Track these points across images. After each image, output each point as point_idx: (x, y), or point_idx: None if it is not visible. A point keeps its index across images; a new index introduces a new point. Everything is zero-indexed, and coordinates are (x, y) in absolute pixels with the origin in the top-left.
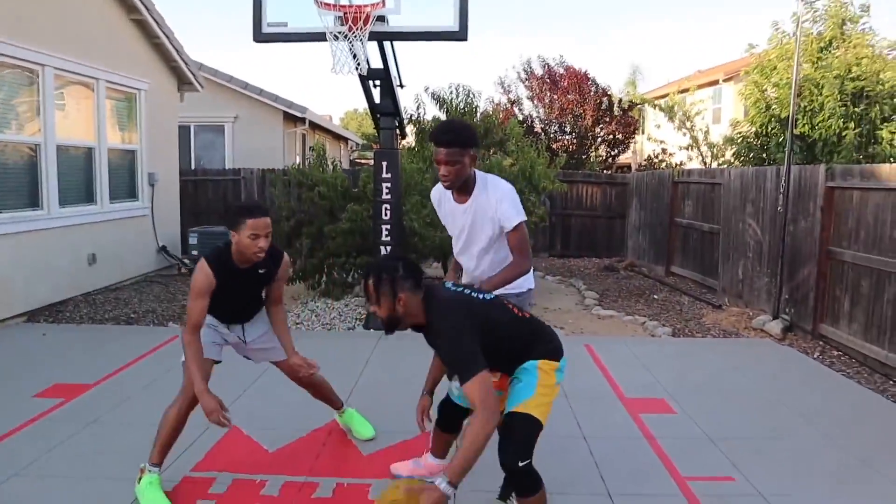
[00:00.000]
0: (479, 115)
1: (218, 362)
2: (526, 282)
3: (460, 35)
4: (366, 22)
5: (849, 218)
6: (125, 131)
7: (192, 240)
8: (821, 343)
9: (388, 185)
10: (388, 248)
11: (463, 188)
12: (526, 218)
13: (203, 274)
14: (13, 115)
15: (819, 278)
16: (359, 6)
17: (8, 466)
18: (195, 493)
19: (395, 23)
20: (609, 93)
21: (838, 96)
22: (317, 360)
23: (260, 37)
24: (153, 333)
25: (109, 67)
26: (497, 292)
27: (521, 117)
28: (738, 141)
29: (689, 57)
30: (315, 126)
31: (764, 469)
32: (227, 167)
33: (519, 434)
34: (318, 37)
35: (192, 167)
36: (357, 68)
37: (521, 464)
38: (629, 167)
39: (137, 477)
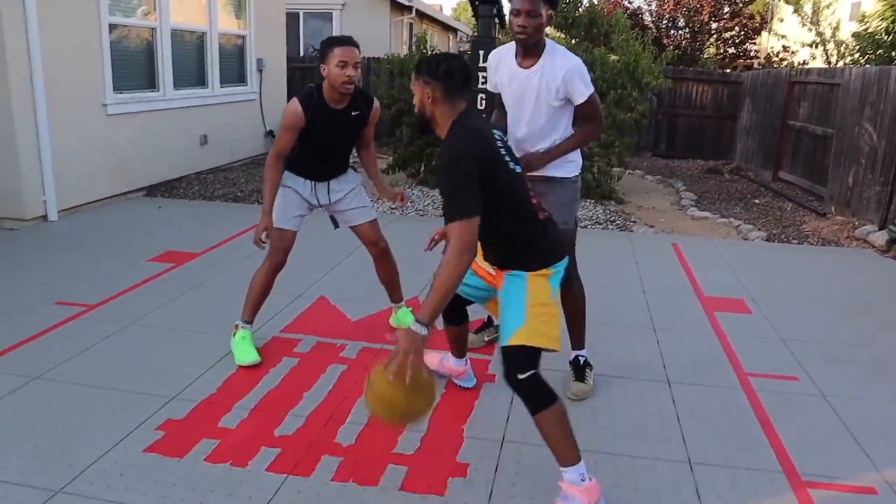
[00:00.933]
0: (582, 5)
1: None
2: (577, 163)
3: None
4: None
5: None
6: (235, 17)
7: None
8: None
9: (485, 75)
10: None
11: (533, 50)
12: (594, 90)
13: (292, 109)
14: (132, 1)
15: None
16: None
17: (125, 317)
18: (282, 351)
19: None
20: None
21: None
22: (407, 242)
23: None
24: (256, 211)
25: None
26: (550, 172)
27: (630, 9)
28: (865, 37)
29: None
30: (423, 15)
31: (832, 373)
32: None
33: (514, 365)
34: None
35: (301, 54)
36: None
37: (520, 376)
38: (751, 66)
39: (232, 332)
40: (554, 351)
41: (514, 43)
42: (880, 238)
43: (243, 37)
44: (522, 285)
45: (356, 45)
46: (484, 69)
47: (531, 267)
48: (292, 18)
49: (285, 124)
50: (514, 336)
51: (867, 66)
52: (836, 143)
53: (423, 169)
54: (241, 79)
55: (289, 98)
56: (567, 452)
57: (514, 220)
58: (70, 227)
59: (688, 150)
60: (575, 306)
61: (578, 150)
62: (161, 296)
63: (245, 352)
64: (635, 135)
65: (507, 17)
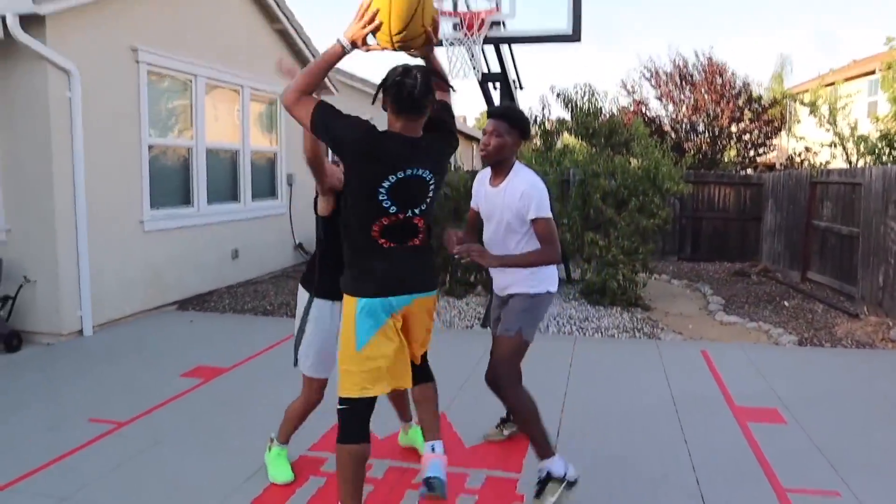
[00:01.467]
0: (603, 115)
1: None
2: (544, 282)
3: (573, 37)
4: (480, 27)
5: None
6: (266, 134)
7: None
8: None
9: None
10: None
11: (499, 169)
12: (550, 215)
13: None
14: (172, 121)
15: None
16: (474, 12)
17: (156, 434)
18: (309, 470)
19: (511, 27)
20: (750, 89)
21: None
22: (432, 355)
23: None
24: (285, 324)
25: (253, 74)
26: (511, 290)
27: (648, 117)
28: (879, 139)
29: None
30: None
31: (875, 485)
32: None
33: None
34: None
35: None
36: (475, 71)
37: (338, 406)
38: (772, 167)
39: (267, 446)
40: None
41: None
42: None
43: (274, 153)
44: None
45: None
46: None
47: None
48: None
49: None
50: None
51: (887, 165)
52: (862, 242)
53: (448, 279)
54: (271, 193)
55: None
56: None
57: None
58: (105, 341)
59: (713, 252)
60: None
61: (551, 270)
62: (191, 412)
63: (280, 469)
64: (659, 240)
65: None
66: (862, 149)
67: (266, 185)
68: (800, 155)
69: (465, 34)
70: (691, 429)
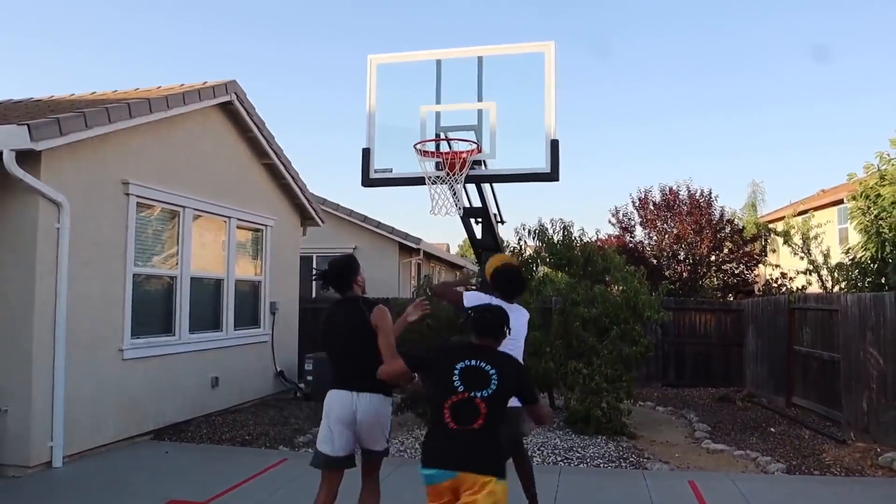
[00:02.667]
0: (577, 247)
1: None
2: None
3: (552, 176)
4: (462, 167)
5: None
6: (251, 264)
7: (308, 366)
8: None
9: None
10: None
11: None
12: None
13: None
14: (157, 251)
15: None
16: (456, 153)
17: None
18: None
19: (492, 165)
20: (731, 219)
21: None
22: (414, 492)
23: (367, 182)
24: (263, 456)
25: (240, 206)
26: None
27: (631, 245)
28: (852, 267)
29: (812, 175)
30: (430, 256)
31: None
32: None
33: None
34: (419, 181)
35: (313, 295)
36: (458, 208)
37: None
38: (751, 293)
39: None
40: None
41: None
42: None
43: (259, 282)
44: None
45: None
46: None
47: None
48: (306, 261)
49: None
50: None
51: (861, 293)
52: (843, 367)
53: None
54: (254, 321)
55: (300, 338)
56: None
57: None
58: (75, 474)
59: (697, 378)
60: None
61: None
62: None
63: None
64: (643, 366)
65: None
66: (837, 275)
67: (249, 313)
68: (776, 281)
69: (448, 173)
70: None
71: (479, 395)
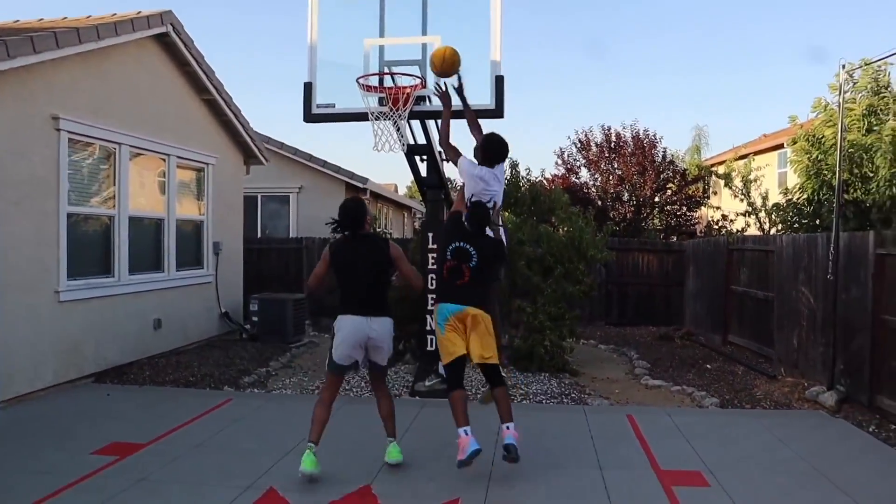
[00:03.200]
0: (525, 186)
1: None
2: None
3: (496, 113)
4: (406, 102)
5: None
6: (193, 203)
7: (254, 306)
8: (877, 416)
9: (434, 255)
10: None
11: None
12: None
13: None
14: (92, 190)
15: (873, 348)
16: (399, 88)
17: None
18: None
19: (436, 101)
20: (675, 162)
21: (886, 162)
22: (362, 423)
23: (309, 117)
24: (208, 397)
25: (180, 144)
26: None
27: (576, 186)
28: (789, 208)
29: (755, 119)
30: (377, 196)
31: None
32: (291, 236)
33: None
34: (363, 117)
35: (258, 235)
36: (402, 145)
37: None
38: (693, 234)
39: None
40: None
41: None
42: (830, 399)
43: (200, 221)
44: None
45: None
46: (432, 250)
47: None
48: (250, 201)
49: None
50: None
51: (796, 234)
52: (777, 306)
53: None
54: (197, 262)
55: (245, 279)
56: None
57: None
58: (13, 418)
59: (639, 317)
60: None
61: None
62: (103, 492)
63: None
64: (587, 305)
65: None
66: (774, 217)
67: (192, 253)
68: (717, 223)
69: (391, 109)
70: (617, 494)
71: (465, 264)
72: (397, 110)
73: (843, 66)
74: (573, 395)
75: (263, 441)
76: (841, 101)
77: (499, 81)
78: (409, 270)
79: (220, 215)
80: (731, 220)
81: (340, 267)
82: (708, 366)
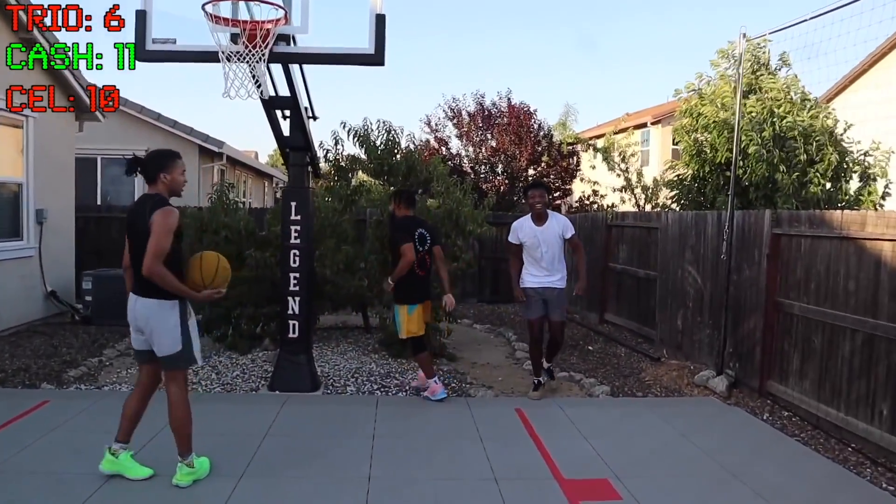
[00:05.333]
0: (400, 153)
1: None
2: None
3: (376, 59)
4: (265, 40)
5: (797, 267)
6: (9, 163)
7: (87, 284)
8: (769, 402)
9: (298, 227)
10: (297, 298)
11: (542, 216)
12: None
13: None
14: None
15: (766, 331)
16: (257, 22)
17: None
18: None
19: (303, 43)
20: (551, 134)
21: (759, 140)
22: (211, 428)
23: (143, 55)
24: (17, 398)
25: None
26: (557, 285)
27: (447, 156)
28: (677, 184)
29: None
30: (235, 162)
31: None
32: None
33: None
34: (212, 57)
35: (98, 202)
36: (259, 91)
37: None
38: (570, 209)
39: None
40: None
41: (529, 214)
42: (720, 384)
43: (20, 184)
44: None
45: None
46: (297, 222)
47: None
48: (88, 164)
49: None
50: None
51: (683, 211)
52: (660, 285)
53: (230, 332)
54: (14, 232)
55: (80, 253)
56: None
57: None
58: None
59: (512, 294)
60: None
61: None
62: None
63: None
64: (459, 282)
65: (322, 166)
66: (649, 194)
67: (7, 222)
68: (589, 198)
69: (247, 47)
70: None
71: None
72: (254, 49)
73: (745, 35)
74: (453, 385)
75: (84, 459)
76: (740, 72)
77: (380, 22)
78: (154, 245)
79: (46, 178)
80: (603, 196)
81: (126, 233)
82: (589, 347)
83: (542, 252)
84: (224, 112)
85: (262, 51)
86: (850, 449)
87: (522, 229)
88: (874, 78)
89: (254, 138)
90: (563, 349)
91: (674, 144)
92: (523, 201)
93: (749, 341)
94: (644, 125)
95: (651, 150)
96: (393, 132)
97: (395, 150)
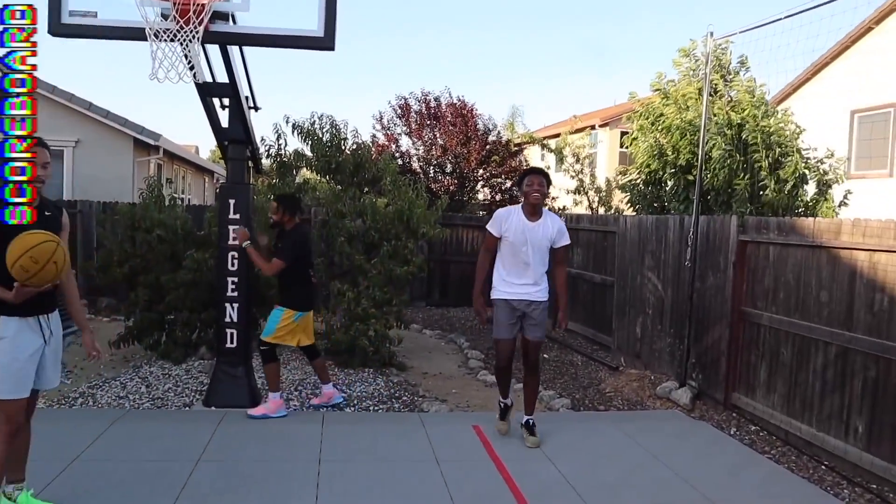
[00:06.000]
0: (347, 148)
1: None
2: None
3: (325, 42)
4: (200, 16)
5: (765, 276)
6: None
7: None
8: (735, 415)
9: (237, 227)
10: (236, 305)
11: (537, 209)
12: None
13: None
14: None
15: (731, 342)
16: None
17: None
18: None
19: (243, 22)
20: (498, 131)
21: (721, 144)
22: (136, 452)
23: (58, 28)
24: None
25: None
26: (534, 297)
27: (397, 154)
28: (631, 188)
29: (561, 103)
30: (173, 156)
31: None
32: (65, 198)
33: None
34: (138, 34)
35: None
36: (193, 74)
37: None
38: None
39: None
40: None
41: (520, 205)
42: (683, 396)
43: None
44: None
45: None
46: (236, 221)
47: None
48: None
49: None
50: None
51: (642, 216)
52: (617, 291)
53: (164, 339)
54: None
55: None
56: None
57: None
58: None
59: (462, 298)
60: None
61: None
62: None
63: None
64: (409, 288)
65: (263, 160)
66: (602, 197)
67: None
68: None
69: (179, 23)
70: None
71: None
72: (188, 27)
73: (712, 34)
74: (405, 399)
75: None
76: (707, 71)
77: (330, 3)
78: None
79: None
80: (554, 198)
81: None
82: (545, 355)
83: (527, 254)
84: (162, 103)
85: (195, 28)
86: (823, 467)
87: (509, 221)
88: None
89: (194, 132)
90: (518, 357)
91: (623, 147)
92: (516, 191)
93: (713, 351)
94: (592, 127)
95: (599, 153)
96: (336, 127)
97: (342, 147)
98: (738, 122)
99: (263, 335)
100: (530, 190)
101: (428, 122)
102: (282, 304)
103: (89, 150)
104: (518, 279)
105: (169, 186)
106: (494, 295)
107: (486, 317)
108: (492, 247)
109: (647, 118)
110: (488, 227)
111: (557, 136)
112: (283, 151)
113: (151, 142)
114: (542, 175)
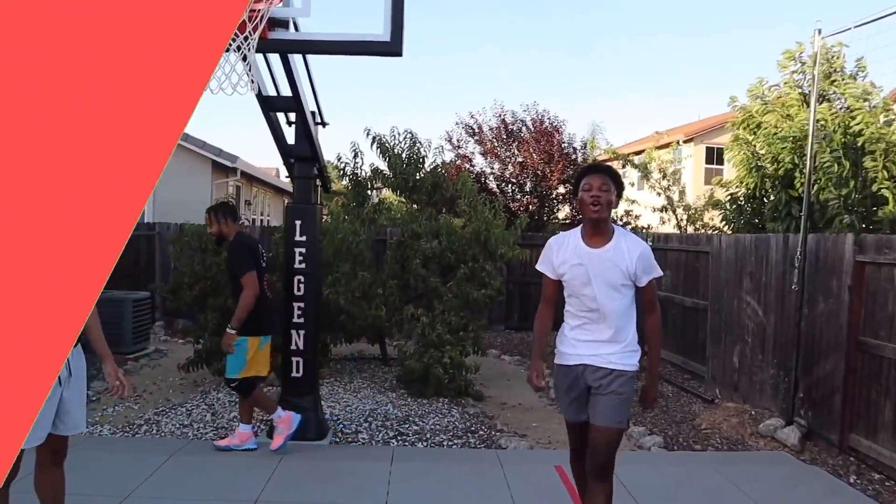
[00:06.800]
0: (426, 167)
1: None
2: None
3: (392, 47)
4: (252, 21)
5: (888, 302)
6: None
7: None
8: (853, 460)
9: (303, 250)
10: (302, 332)
11: (603, 227)
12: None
13: None
14: None
15: (847, 375)
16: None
17: None
18: None
19: (305, 28)
20: (584, 151)
21: (828, 151)
22: (188, 491)
23: None
24: None
25: None
26: (613, 365)
27: (473, 173)
28: (729, 205)
29: (644, 120)
30: (250, 178)
31: None
32: (145, 220)
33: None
34: None
35: None
36: (252, 84)
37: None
38: None
39: None
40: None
41: (577, 228)
42: (791, 436)
43: None
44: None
45: None
46: (302, 244)
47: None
48: None
49: None
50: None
51: (739, 234)
52: (711, 316)
53: None
54: None
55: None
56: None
57: None
58: None
59: None
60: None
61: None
62: None
63: None
64: (487, 310)
65: (331, 180)
66: (693, 214)
67: None
68: (622, 218)
69: (235, 33)
70: None
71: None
72: (241, 34)
73: (819, 31)
74: (481, 433)
75: None
76: (816, 73)
77: (397, 5)
78: None
79: None
80: (637, 217)
81: None
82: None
83: (593, 297)
84: (242, 127)
85: (251, 36)
86: None
87: (562, 251)
88: None
89: (275, 155)
90: None
91: (708, 164)
92: (574, 198)
93: (826, 386)
94: (677, 143)
95: (684, 169)
96: (418, 144)
97: (420, 164)
98: (855, 129)
99: (230, 374)
100: (587, 196)
101: (505, 139)
102: (241, 334)
103: (169, 172)
104: (584, 335)
105: (248, 208)
106: (556, 358)
107: (542, 385)
108: (550, 295)
109: (747, 126)
110: (539, 266)
111: (640, 152)
112: (358, 169)
113: (229, 164)
114: (605, 174)
